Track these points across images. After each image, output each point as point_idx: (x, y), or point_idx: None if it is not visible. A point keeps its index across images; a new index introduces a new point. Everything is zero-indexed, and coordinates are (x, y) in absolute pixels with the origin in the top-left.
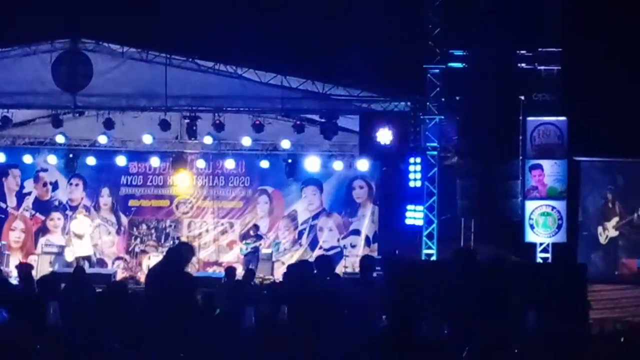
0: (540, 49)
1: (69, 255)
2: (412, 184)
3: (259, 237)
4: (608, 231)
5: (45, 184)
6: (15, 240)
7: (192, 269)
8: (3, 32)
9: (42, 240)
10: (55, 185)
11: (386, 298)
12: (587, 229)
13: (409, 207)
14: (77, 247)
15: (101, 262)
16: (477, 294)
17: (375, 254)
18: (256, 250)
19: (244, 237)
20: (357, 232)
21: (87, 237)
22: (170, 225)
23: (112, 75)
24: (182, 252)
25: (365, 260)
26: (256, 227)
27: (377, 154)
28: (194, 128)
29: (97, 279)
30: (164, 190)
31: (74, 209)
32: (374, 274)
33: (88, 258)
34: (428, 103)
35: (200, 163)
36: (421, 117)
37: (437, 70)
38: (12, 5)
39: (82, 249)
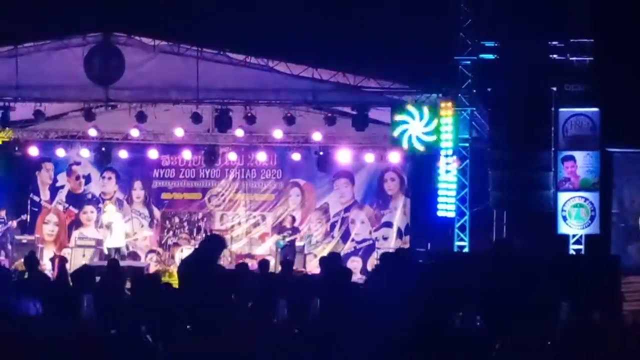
0: (572, 40)
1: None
2: (442, 177)
3: (295, 230)
4: None
5: (78, 177)
6: (48, 234)
7: (225, 261)
8: (36, 26)
9: (75, 234)
10: (88, 179)
11: (413, 291)
12: (624, 221)
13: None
14: (107, 239)
15: (134, 255)
16: (510, 286)
17: (407, 246)
18: (292, 243)
19: (280, 230)
20: (389, 225)
21: (118, 229)
22: (203, 218)
23: (144, 69)
24: (213, 244)
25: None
26: (293, 218)
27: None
28: (226, 121)
29: (130, 272)
30: (196, 183)
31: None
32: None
33: (118, 250)
34: (459, 95)
35: (232, 156)
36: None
37: (469, 62)
38: None
39: (113, 240)
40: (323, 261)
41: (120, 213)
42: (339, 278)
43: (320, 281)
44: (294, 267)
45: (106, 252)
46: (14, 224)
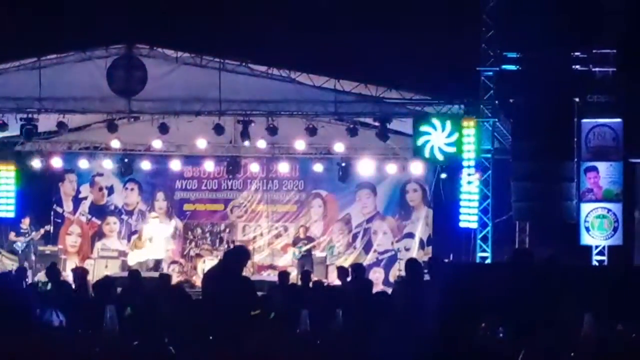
0: (594, 51)
1: (133, 259)
2: (465, 188)
3: (310, 240)
4: None
5: (101, 189)
6: (71, 245)
7: (247, 272)
8: (59, 38)
9: (98, 245)
10: (110, 190)
11: (437, 302)
12: None
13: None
14: (148, 251)
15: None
16: (532, 297)
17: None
18: (309, 253)
19: (295, 241)
20: (411, 235)
21: (159, 241)
22: (225, 229)
23: (167, 80)
24: (237, 256)
25: (412, 264)
26: (306, 229)
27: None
28: (248, 132)
29: (153, 283)
30: (219, 194)
31: (129, 213)
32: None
33: (160, 262)
34: (482, 106)
35: (254, 167)
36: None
37: (491, 73)
38: (68, 11)
39: (154, 252)
40: (354, 268)
41: (163, 225)
42: (362, 289)
43: (343, 292)
44: (316, 278)
45: (131, 264)
46: (38, 235)
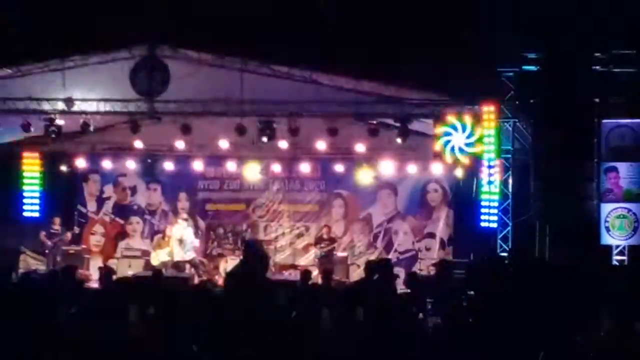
0: (614, 51)
1: (156, 259)
2: (485, 188)
3: (332, 241)
4: None
5: (124, 189)
6: (95, 244)
7: (268, 272)
8: (82, 39)
9: (121, 244)
10: (134, 190)
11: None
12: None
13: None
14: (178, 252)
15: (179, 266)
16: (550, 296)
17: (450, 257)
18: (329, 253)
19: (317, 241)
20: (431, 235)
21: (189, 242)
22: (247, 229)
23: (189, 81)
24: (258, 255)
25: (444, 264)
26: (329, 229)
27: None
28: (269, 133)
29: (175, 283)
30: (240, 195)
31: (152, 213)
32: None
33: (193, 262)
34: (502, 106)
35: (276, 167)
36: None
37: (511, 73)
38: (91, 13)
39: (185, 253)
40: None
41: (191, 227)
42: (385, 285)
43: (365, 288)
44: (338, 278)
45: (154, 263)
46: (68, 236)
